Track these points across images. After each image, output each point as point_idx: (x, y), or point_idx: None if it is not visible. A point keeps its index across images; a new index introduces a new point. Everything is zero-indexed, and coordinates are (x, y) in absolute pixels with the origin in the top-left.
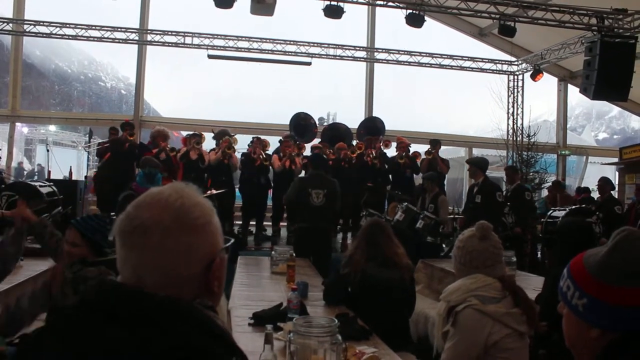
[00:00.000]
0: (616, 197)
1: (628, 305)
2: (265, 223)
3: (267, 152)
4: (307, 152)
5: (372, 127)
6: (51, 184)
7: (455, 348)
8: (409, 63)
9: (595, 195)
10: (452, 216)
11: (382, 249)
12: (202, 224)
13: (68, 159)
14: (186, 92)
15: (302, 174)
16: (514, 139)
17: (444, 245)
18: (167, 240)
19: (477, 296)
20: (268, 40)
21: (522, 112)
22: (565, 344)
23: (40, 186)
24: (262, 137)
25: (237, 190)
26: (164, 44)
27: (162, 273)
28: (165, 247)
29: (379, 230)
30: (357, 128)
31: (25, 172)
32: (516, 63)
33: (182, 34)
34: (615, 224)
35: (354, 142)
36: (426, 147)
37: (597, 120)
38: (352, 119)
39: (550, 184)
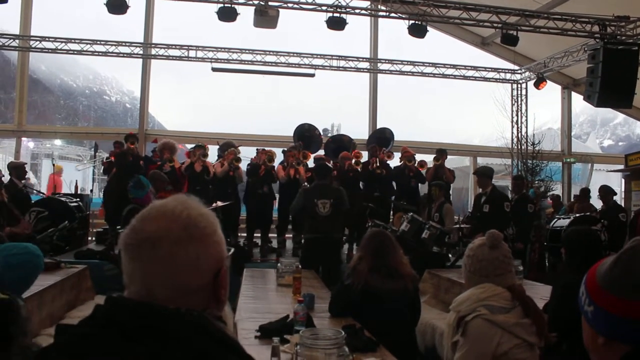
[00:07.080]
0: (622, 204)
1: (628, 317)
2: (270, 235)
3: (272, 163)
4: (310, 162)
5: (382, 138)
6: (78, 200)
7: (465, 358)
8: (412, 73)
9: (597, 204)
10: (457, 226)
11: (385, 260)
12: (209, 234)
13: (74, 173)
14: (190, 105)
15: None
16: (519, 147)
17: (450, 255)
18: (176, 251)
19: (487, 306)
20: (271, 53)
21: (527, 120)
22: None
23: (70, 202)
24: (267, 148)
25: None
26: (168, 57)
27: (172, 285)
28: (175, 258)
29: (382, 240)
30: (368, 140)
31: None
32: (519, 72)
33: (186, 47)
34: (621, 231)
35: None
36: (431, 156)
37: (602, 128)
38: (357, 130)
39: (554, 192)
